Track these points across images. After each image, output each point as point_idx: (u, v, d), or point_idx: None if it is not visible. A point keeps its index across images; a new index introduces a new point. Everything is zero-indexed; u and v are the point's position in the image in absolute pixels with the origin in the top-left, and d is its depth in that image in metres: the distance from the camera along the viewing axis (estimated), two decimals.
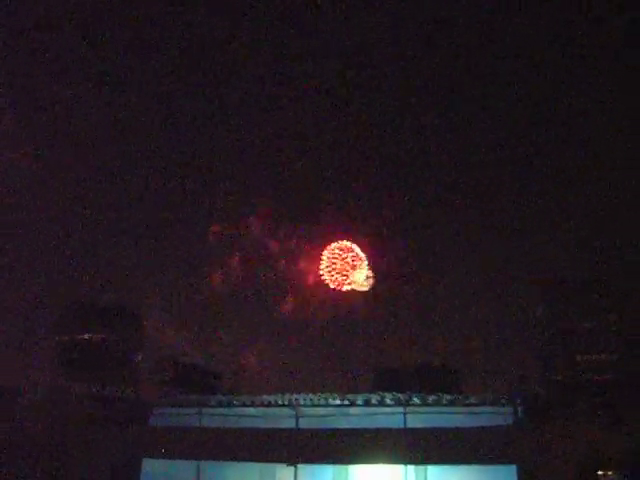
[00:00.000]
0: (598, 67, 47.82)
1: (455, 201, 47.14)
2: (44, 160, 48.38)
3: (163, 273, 46.84)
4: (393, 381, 28.26)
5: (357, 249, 55.86)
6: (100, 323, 31.60)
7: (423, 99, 48.49)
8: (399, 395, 25.54)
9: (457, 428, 24.22)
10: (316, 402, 26.29)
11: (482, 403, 24.82)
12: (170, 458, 27.26)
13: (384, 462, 25.09)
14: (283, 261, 53.08)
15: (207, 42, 52.18)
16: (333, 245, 56.30)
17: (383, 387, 27.30)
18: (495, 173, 47.07)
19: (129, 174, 48.41)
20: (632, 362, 25.37)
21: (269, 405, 26.89)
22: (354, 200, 50.84)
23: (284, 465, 25.56)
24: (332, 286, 54.76)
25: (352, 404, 26.02)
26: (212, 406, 27.98)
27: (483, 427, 24.01)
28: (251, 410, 27.12)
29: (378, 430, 25.00)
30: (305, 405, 26.22)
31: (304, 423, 25.87)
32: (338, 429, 25.54)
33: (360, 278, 49.60)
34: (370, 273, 49.33)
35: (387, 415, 25.27)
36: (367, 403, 25.85)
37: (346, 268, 53.72)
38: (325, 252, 55.62)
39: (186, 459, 27.01)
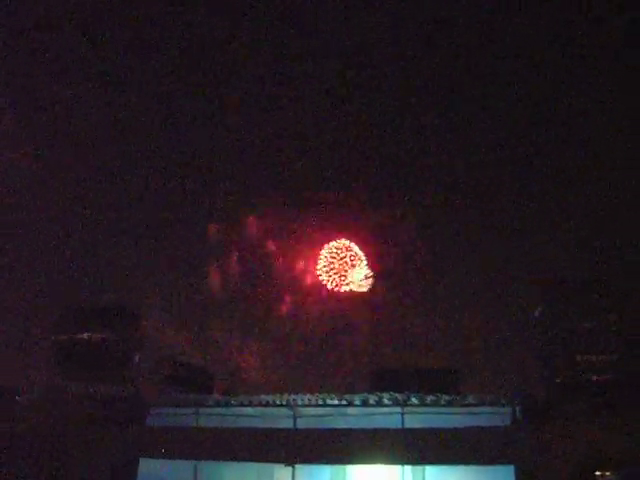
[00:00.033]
0: (598, 67, 47.89)
1: (454, 201, 47.28)
2: (44, 160, 48.28)
3: (161, 273, 46.86)
4: (391, 381, 28.09)
5: (356, 248, 53.99)
6: (99, 323, 31.63)
7: (423, 99, 48.71)
8: (397, 395, 25.44)
9: (455, 428, 24.13)
10: (314, 402, 26.20)
11: (480, 404, 24.71)
12: (167, 458, 27.15)
13: (382, 462, 25.00)
14: (281, 261, 51.96)
15: (206, 42, 52.19)
16: (331, 244, 54.60)
17: (381, 387, 27.18)
18: (495, 173, 47.41)
19: (128, 174, 48.79)
20: (632, 362, 25.41)
21: (267, 405, 26.79)
22: (354, 199, 50.24)
23: (282, 465, 25.48)
24: (330, 287, 53.19)
25: (350, 404, 25.91)
26: (209, 406, 27.89)
27: (481, 427, 23.94)
28: (249, 410, 27.02)
29: (376, 430, 24.92)
30: (303, 405, 26.13)
31: (302, 423, 25.78)
32: (336, 429, 25.46)
33: (358, 278, 48.35)
34: (369, 272, 47.91)
35: (385, 415, 25.19)
36: (365, 403, 25.75)
37: (344, 268, 52.45)
38: (323, 251, 54.00)
39: (183, 459, 26.91)
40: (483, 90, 49.82)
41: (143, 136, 52.01)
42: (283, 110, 51.68)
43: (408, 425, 24.68)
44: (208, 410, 27.63)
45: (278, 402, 26.59)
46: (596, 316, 25.57)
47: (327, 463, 25.80)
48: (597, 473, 22.93)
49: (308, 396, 26.52)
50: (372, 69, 51.59)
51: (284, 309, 50.88)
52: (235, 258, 52.19)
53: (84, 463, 27.35)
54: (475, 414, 24.43)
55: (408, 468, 24.66)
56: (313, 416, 25.86)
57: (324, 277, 53.13)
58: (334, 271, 52.78)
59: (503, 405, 24.50)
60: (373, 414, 25.43)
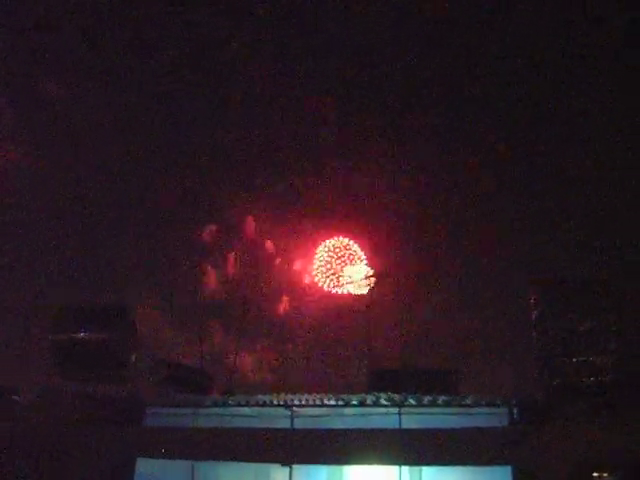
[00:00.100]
0: (598, 67, 47.89)
1: (454, 200, 47.35)
2: (42, 160, 48.31)
3: (158, 273, 46.74)
4: (388, 382, 28.07)
5: (356, 247, 51.77)
6: (96, 323, 31.47)
7: (423, 98, 48.81)
8: (394, 396, 25.46)
9: (453, 429, 24.17)
10: (311, 402, 26.22)
11: (478, 404, 24.75)
12: (164, 458, 27.17)
13: (379, 463, 25.02)
14: (279, 260, 51.19)
15: (206, 41, 52.26)
16: (328, 242, 52.02)
17: (378, 388, 27.12)
18: (494, 173, 47.41)
19: (126, 174, 48.78)
20: (631, 363, 25.32)
21: (264, 405, 26.82)
22: (354, 197, 49.76)
23: (279, 465, 25.51)
24: (326, 288, 51.30)
25: (347, 404, 25.94)
26: (207, 406, 27.94)
27: (478, 428, 23.96)
28: (246, 410, 27.06)
29: (373, 431, 24.94)
30: (300, 405, 26.13)
31: (299, 423, 25.80)
32: (333, 429, 25.49)
33: (358, 278, 47.29)
34: (370, 272, 46.50)
35: (382, 416, 25.21)
36: (362, 403, 25.78)
37: (342, 268, 50.94)
38: (319, 250, 52.01)
39: (180, 459, 26.96)
40: (483, 90, 49.75)
41: (142, 136, 51.87)
42: (281, 109, 51.54)
43: (405, 426, 24.72)
44: (206, 410, 27.67)
45: (275, 402, 26.62)
46: (595, 317, 25.58)
47: (324, 463, 25.83)
48: (595, 474, 22.89)
49: (305, 396, 26.54)
50: (371, 68, 51.56)
51: (281, 309, 50.34)
52: (232, 258, 51.60)
53: (81, 463, 27.33)
54: (473, 415, 24.47)
55: (405, 469, 24.68)
56: (310, 416, 25.89)
57: (320, 278, 51.09)
58: (331, 271, 50.90)
59: (500, 406, 24.52)
60: (370, 414, 25.46)
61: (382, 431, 24.85)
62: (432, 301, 44.45)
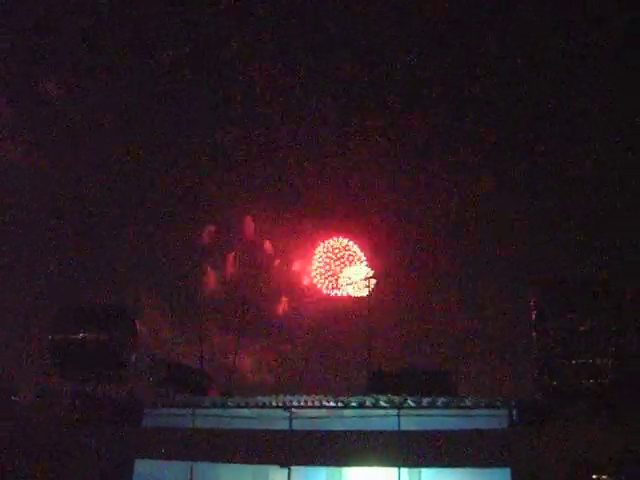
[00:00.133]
0: (598, 67, 47.81)
1: (454, 201, 47.18)
2: (42, 160, 48.26)
3: (158, 273, 46.70)
4: (387, 383, 28.01)
5: (356, 247, 51.07)
6: (95, 323, 31.48)
7: (424, 99, 48.67)
8: (393, 397, 25.36)
9: (451, 431, 24.09)
10: (310, 404, 26.14)
11: (477, 406, 24.65)
12: (163, 459, 27.12)
13: (378, 464, 24.95)
14: (278, 261, 50.81)
15: (206, 41, 52.18)
16: (326, 243, 51.19)
17: (377, 389, 27.05)
18: (494, 174, 47.34)
19: (126, 174, 48.70)
20: (631, 365, 25.21)
21: (263, 406, 26.73)
22: (354, 198, 49.24)
23: (277, 467, 25.47)
24: (325, 291, 50.09)
25: (346, 406, 25.86)
26: (205, 407, 27.85)
27: (477, 430, 23.87)
28: (245, 411, 26.98)
29: (372, 432, 24.86)
30: (299, 407, 26.06)
31: (298, 425, 25.73)
32: (332, 431, 25.40)
33: (357, 278, 46.75)
34: (370, 272, 45.87)
35: (381, 417, 25.12)
36: (361, 405, 25.69)
37: (342, 269, 50.19)
38: (317, 251, 50.63)
39: (179, 460, 26.89)
40: (482, 90, 49.68)
41: (141, 136, 51.84)
42: (281, 108, 51.37)
43: (404, 427, 24.62)
44: (204, 411, 27.59)
45: (274, 404, 26.53)
46: (595, 318, 25.50)
47: (323, 465, 25.77)
48: (594, 476, 22.82)
49: (304, 398, 26.44)
50: (371, 68, 51.44)
51: (280, 310, 50.09)
52: (231, 259, 51.38)
53: (80, 463, 27.27)
54: (472, 416, 24.38)
55: (404, 470, 24.61)
56: (309, 418, 25.80)
57: (319, 280, 50.19)
58: (330, 272, 50.03)
59: (500, 407, 24.44)
60: (369, 416, 25.38)
61: (381, 433, 24.77)
62: (431, 302, 44.37)
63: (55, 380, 32.57)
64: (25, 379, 34.27)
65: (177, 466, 26.85)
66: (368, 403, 25.62)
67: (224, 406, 27.45)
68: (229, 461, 26.30)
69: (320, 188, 50.19)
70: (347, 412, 25.82)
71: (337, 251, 50.68)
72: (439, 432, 24.18)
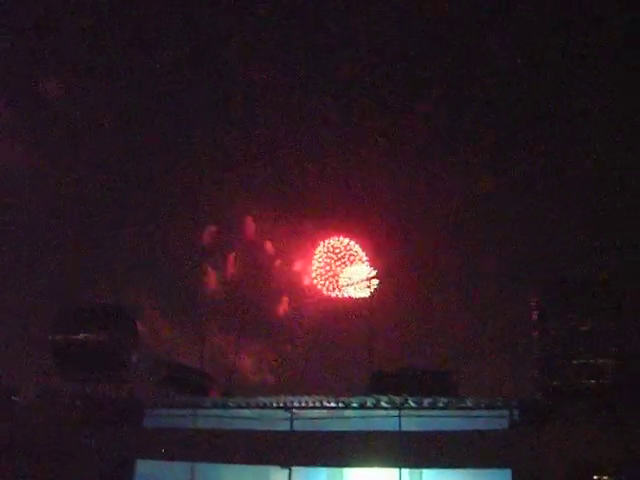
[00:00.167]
0: (598, 67, 47.77)
1: (455, 202, 47.01)
2: (43, 160, 48.24)
3: (158, 274, 46.62)
4: (388, 384, 27.98)
5: (357, 247, 49.78)
6: (95, 324, 31.45)
7: (426, 99, 48.59)
8: (394, 398, 25.36)
9: (453, 431, 24.11)
10: (311, 404, 26.15)
11: (478, 406, 24.67)
12: (164, 459, 27.13)
13: (379, 465, 24.97)
14: (278, 261, 50.52)
15: (206, 41, 52.15)
16: (327, 242, 49.78)
17: (378, 390, 27.04)
18: (496, 174, 47.29)
19: (127, 174, 48.64)
20: (631, 366, 25.15)
21: (264, 407, 26.74)
22: (355, 198, 48.72)
23: (278, 467, 25.48)
24: (325, 292, 48.84)
25: (347, 407, 25.88)
26: (207, 407, 27.86)
27: (478, 430, 23.89)
28: (246, 412, 26.98)
29: (373, 433, 24.89)
30: (300, 407, 26.07)
31: (299, 425, 25.75)
32: (333, 432, 25.42)
33: (358, 278, 46.17)
34: (371, 272, 44.95)
35: (382, 418, 25.14)
36: (362, 406, 25.70)
37: (343, 269, 49.32)
38: (318, 250, 49.50)
39: (180, 460, 26.90)
40: (482, 91, 49.65)
41: (141, 136, 51.81)
42: (280, 107, 51.29)
43: (405, 428, 24.65)
44: (205, 412, 27.60)
45: (275, 404, 26.54)
46: (596, 318, 25.49)
47: (324, 465, 25.80)
48: (595, 477, 22.83)
49: (305, 398, 26.43)
50: (372, 69, 51.39)
51: (281, 310, 49.90)
52: (232, 259, 51.25)
53: (81, 463, 27.28)
54: (473, 417, 24.39)
55: (405, 471, 24.62)
56: (310, 418, 25.83)
57: (319, 280, 49.08)
58: (331, 273, 49.07)
59: (501, 408, 24.44)
60: (370, 417, 25.40)
61: (382, 433, 24.80)
62: (432, 303, 44.29)
63: (55, 380, 32.54)
64: (26, 379, 34.23)
65: (178, 466, 26.87)
66: (369, 404, 25.63)
67: (225, 406, 27.46)
68: (230, 461, 26.32)
69: (321, 188, 50.05)
70: (348, 412, 25.84)
71: (338, 251, 49.66)
72: (440, 433, 24.21)
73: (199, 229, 50.99)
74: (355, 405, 25.79)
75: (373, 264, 47.66)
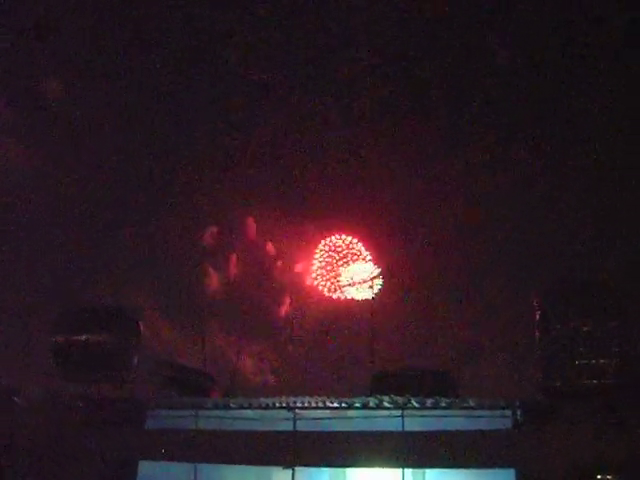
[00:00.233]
0: (598, 67, 47.86)
1: (456, 202, 46.90)
2: (43, 160, 48.21)
3: (159, 274, 46.63)
4: (391, 384, 27.97)
5: (360, 246, 48.59)
6: (97, 324, 31.38)
7: (427, 97, 48.56)
8: (397, 398, 25.34)
9: (456, 431, 24.11)
10: (313, 405, 26.13)
11: (481, 407, 24.65)
12: (166, 460, 27.12)
13: (382, 465, 24.99)
14: (280, 262, 50.30)
15: (207, 40, 52.18)
16: (328, 240, 48.50)
17: (381, 390, 27.02)
18: (495, 173, 47.19)
19: (128, 175, 48.56)
20: (634, 366, 25.17)
21: (266, 408, 26.71)
22: (358, 198, 48.31)
23: (281, 468, 25.48)
24: (326, 293, 47.75)
25: (350, 407, 25.86)
26: (208, 408, 27.83)
27: (482, 430, 23.89)
28: (248, 412, 26.96)
29: (376, 433, 24.89)
30: (302, 408, 26.05)
31: (301, 426, 25.72)
32: (335, 432, 25.41)
33: (360, 278, 45.74)
34: (375, 271, 44.01)
35: (385, 418, 25.12)
36: (365, 406, 25.68)
37: (346, 269, 48.51)
38: (319, 249, 48.36)
39: (182, 461, 26.90)
40: (482, 91, 49.71)
41: (141, 136, 51.78)
42: (281, 107, 51.29)
43: (408, 428, 24.62)
44: (207, 412, 27.57)
45: (277, 404, 26.51)
46: (598, 318, 25.46)
47: (326, 466, 25.81)
48: (599, 477, 22.83)
49: (308, 398, 26.41)
50: (373, 68, 51.38)
51: (283, 311, 49.76)
52: (233, 260, 51.14)
53: (82, 465, 27.25)
54: (476, 417, 24.38)
55: (408, 471, 24.63)
56: (313, 419, 25.81)
57: (320, 281, 48.09)
58: (332, 274, 48.09)
59: (504, 408, 24.44)
60: (373, 417, 25.39)
61: (385, 433, 24.77)
62: (435, 303, 44.26)
63: (56, 381, 32.47)
64: (26, 380, 34.17)
65: (180, 467, 26.87)
66: (371, 404, 25.61)
67: (227, 407, 27.44)
68: (232, 462, 26.33)
69: (323, 188, 49.93)
70: (351, 413, 25.81)
71: (340, 249, 48.62)
72: (443, 433, 24.20)
73: (200, 229, 50.98)
74: (358, 405, 25.77)
75: (376, 263, 46.85)
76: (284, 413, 26.07)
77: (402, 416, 24.81)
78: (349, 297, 46.64)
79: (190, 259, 48.79)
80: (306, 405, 26.06)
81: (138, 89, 52.65)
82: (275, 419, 26.11)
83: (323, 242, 48.31)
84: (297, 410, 25.89)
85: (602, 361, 25.87)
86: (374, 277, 41.17)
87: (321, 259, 48.38)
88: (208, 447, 26.40)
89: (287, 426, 25.80)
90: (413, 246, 46.53)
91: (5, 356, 39.99)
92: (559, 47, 50.01)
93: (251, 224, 50.69)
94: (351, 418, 25.65)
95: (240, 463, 26.19)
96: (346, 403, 25.90)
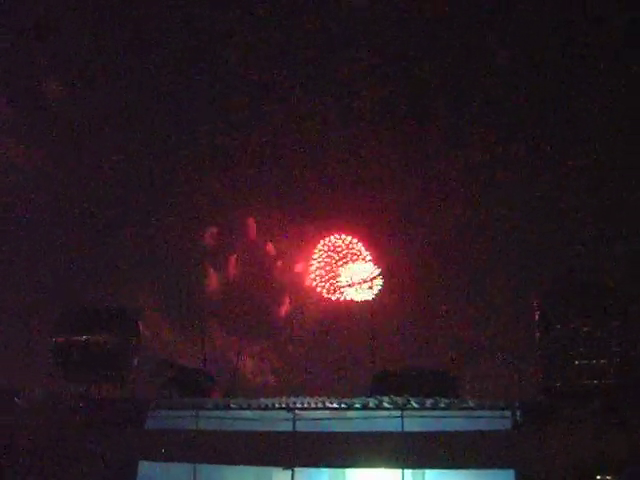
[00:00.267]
0: (598, 67, 47.82)
1: (458, 203, 46.82)
2: (45, 161, 48.27)
3: (160, 275, 46.61)
4: (391, 384, 28.01)
5: (360, 246, 47.25)
6: (98, 325, 31.44)
7: (428, 96, 48.51)
8: (397, 398, 25.40)
9: (455, 432, 24.15)
10: (313, 405, 26.18)
11: (480, 407, 24.70)
12: (166, 461, 27.15)
13: (381, 466, 25.02)
14: (280, 262, 50.12)
15: (208, 42, 52.16)
16: (327, 240, 47.03)
17: (381, 390, 27.08)
18: (495, 173, 47.16)
19: (129, 176, 48.63)
20: (633, 367, 25.21)
21: (266, 408, 26.77)
22: (358, 199, 47.85)
23: (281, 469, 25.51)
24: (325, 295, 46.53)
25: (349, 407, 25.91)
26: (209, 409, 27.87)
27: (481, 431, 23.93)
28: (248, 413, 27.01)
29: (375, 434, 24.92)
30: (302, 408, 26.10)
31: (301, 426, 25.77)
32: (335, 432, 25.46)
33: (359, 278, 45.38)
34: (375, 271, 43.13)
35: (385, 419, 25.17)
36: (364, 406, 25.74)
37: (345, 268, 47.81)
38: (317, 249, 47.14)
39: (183, 462, 26.93)
40: (482, 91, 49.69)
41: (143, 138, 51.78)
42: (284, 109, 51.24)
43: (408, 428, 24.67)
44: (207, 413, 27.61)
45: (277, 405, 26.57)
46: (598, 320, 25.55)
47: (326, 466, 25.83)
48: (598, 478, 22.86)
49: (307, 399, 26.48)
50: (373, 68, 51.35)
51: (283, 311, 49.66)
52: (233, 260, 51.08)
53: (83, 465, 27.29)
54: (475, 418, 24.42)
55: (408, 472, 24.66)
56: (312, 419, 25.86)
57: (318, 282, 46.23)
58: (331, 274, 47.19)
59: (503, 409, 24.48)
60: (373, 417, 25.43)
61: (385, 434, 24.82)
62: (435, 302, 44.17)
63: (58, 382, 32.53)
64: (28, 381, 34.19)
65: (180, 468, 26.90)
66: (371, 404, 25.67)
67: (227, 408, 27.49)
68: (232, 463, 26.37)
69: (324, 188, 49.83)
70: (350, 413, 25.88)
71: (340, 249, 47.57)
72: (443, 433, 24.26)
73: (200, 230, 50.93)
74: (357, 406, 25.83)
75: (376, 263, 45.89)
76: (284, 414, 26.13)
77: (402, 417, 24.86)
78: (348, 299, 45.91)
79: (190, 259, 48.80)
80: (306, 406, 26.12)
81: (138, 89, 52.67)
82: (275, 420, 26.17)
83: (322, 242, 47.66)
84: (297, 411, 25.93)
85: (602, 361, 25.94)
86: (374, 277, 40.73)
87: (320, 259, 47.82)
88: (208, 447, 26.44)
89: (287, 427, 25.86)
90: (413, 246, 46.46)
91: (6, 356, 40.03)
92: (559, 47, 49.98)
93: (251, 224, 50.70)
94: (350, 419, 25.71)
95: (240, 463, 26.23)
96: (346, 404, 25.95)
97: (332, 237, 48.34)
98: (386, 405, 25.41)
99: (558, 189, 47.18)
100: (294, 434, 25.60)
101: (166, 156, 52.74)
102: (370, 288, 41.63)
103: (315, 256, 48.13)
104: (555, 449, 23.09)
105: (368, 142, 51.56)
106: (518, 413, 24.27)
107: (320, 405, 26.11)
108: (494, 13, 51.24)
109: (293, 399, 26.56)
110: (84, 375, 31.89)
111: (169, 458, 26.99)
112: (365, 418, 25.46)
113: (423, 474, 25.03)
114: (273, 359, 48.01)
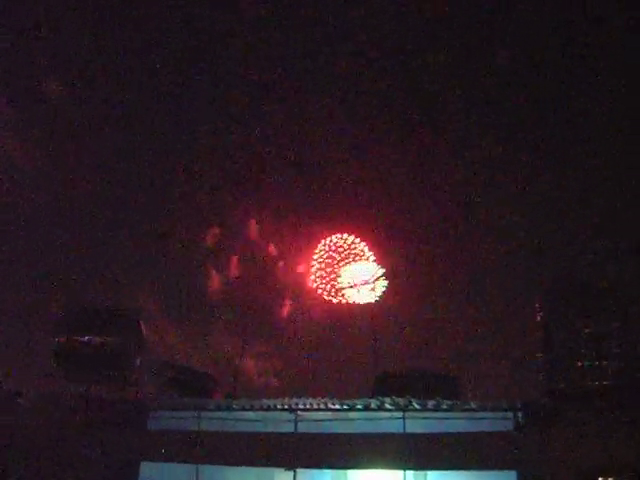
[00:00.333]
0: (598, 67, 47.84)
1: (459, 204, 46.70)
2: (43, 159, 48.15)
3: (162, 276, 46.58)
4: (393, 385, 28.00)
5: (363, 245, 45.68)
6: (99, 326, 31.41)
7: (429, 96, 48.48)
8: (398, 400, 25.41)
9: (457, 433, 24.16)
10: (315, 406, 26.19)
11: (482, 408, 24.71)
12: (168, 461, 27.15)
13: (383, 467, 25.03)
14: (282, 263, 49.91)
15: (208, 42, 52.07)
16: (328, 240, 45.48)
17: (383, 392, 27.08)
18: (495, 173, 47.13)
19: (130, 177, 48.58)
20: (635, 369, 25.27)
21: (268, 409, 26.78)
22: (360, 200, 47.35)
23: (282, 469, 25.52)
24: (326, 297, 45.17)
25: (351, 409, 25.93)
26: (211, 410, 27.87)
27: (483, 432, 23.94)
28: (250, 414, 27.02)
29: (377, 435, 24.95)
30: (304, 409, 26.11)
31: (303, 427, 25.81)
32: (337, 434, 25.48)
33: (362, 279, 44.83)
34: (379, 271, 42.20)
35: (386, 420, 25.21)
36: (366, 408, 25.75)
37: (345, 270, 46.99)
38: (318, 249, 45.76)
39: (184, 462, 26.92)
40: (482, 90, 49.70)
41: (143, 138, 51.72)
42: (282, 107, 51.17)
43: (410, 430, 24.70)
44: (209, 414, 27.61)
45: (279, 406, 26.58)
46: (600, 321, 25.59)
47: (328, 467, 25.83)
48: (600, 479, 22.89)
49: (310, 400, 26.48)
50: (374, 68, 51.32)
51: (285, 312, 49.49)
52: (235, 261, 50.98)
53: (85, 466, 27.29)
54: (477, 419, 24.44)
55: (410, 473, 24.67)
56: (314, 420, 25.88)
57: (319, 283, 45.21)
58: (333, 276, 44.81)
59: (505, 410, 24.49)
60: (375, 419, 25.45)
61: (386, 435, 24.84)
62: (437, 305, 44.10)
63: (59, 383, 32.49)
64: (29, 382, 34.16)
65: (182, 468, 26.90)
66: (373, 406, 25.67)
67: (229, 409, 27.48)
68: (234, 463, 26.37)
69: (326, 188, 49.72)
70: (352, 415, 25.89)
71: (342, 249, 45.92)
72: (445, 435, 24.27)
73: (202, 231, 50.86)
74: (359, 407, 25.84)
75: (380, 263, 44.72)
76: (286, 415, 26.16)
77: (404, 418, 24.88)
78: (350, 301, 44.92)
79: (192, 260, 48.75)
80: (308, 407, 26.13)
81: (138, 89, 52.63)
82: (277, 421, 26.19)
83: (323, 242, 46.81)
84: (299, 412, 25.95)
85: (604, 363, 25.97)
86: (378, 278, 40.36)
87: (320, 260, 47.05)
88: (210, 448, 26.45)
89: (289, 428, 25.88)
90: (415, 249, 46.28)
91: (6, 357, 39.97)
92: (559, 47, 50.00)
93: (253, 225, 50.60)
94: (352, 420, 25.73)
95: (242, 464, 26.23)
96: (348, 405, 25.96)
97: (333, 237, 47.23)
98: (388, 406, 25.42)
99: (558, 190, 47.20)
100: (296, 435, 25.63)
101: (167, 156, 52.71)
102: (372, 290, 41.19)
103: (315, 256, 47.47)
104: (557, 450, 23.13)
105: (372, 142, 51.54)
106: (520, 414, 24.29)
107: (322, 406, 26.12)
108: (494, 13, 51.26)
109: (295, 400, 26.56)
110: (85, 375, 31.85)
111: (171, 459, 27.00)
112: (367, 419, 25.49)
113: (425, 475, 25.04)
114: (275, 360, 47.92)
